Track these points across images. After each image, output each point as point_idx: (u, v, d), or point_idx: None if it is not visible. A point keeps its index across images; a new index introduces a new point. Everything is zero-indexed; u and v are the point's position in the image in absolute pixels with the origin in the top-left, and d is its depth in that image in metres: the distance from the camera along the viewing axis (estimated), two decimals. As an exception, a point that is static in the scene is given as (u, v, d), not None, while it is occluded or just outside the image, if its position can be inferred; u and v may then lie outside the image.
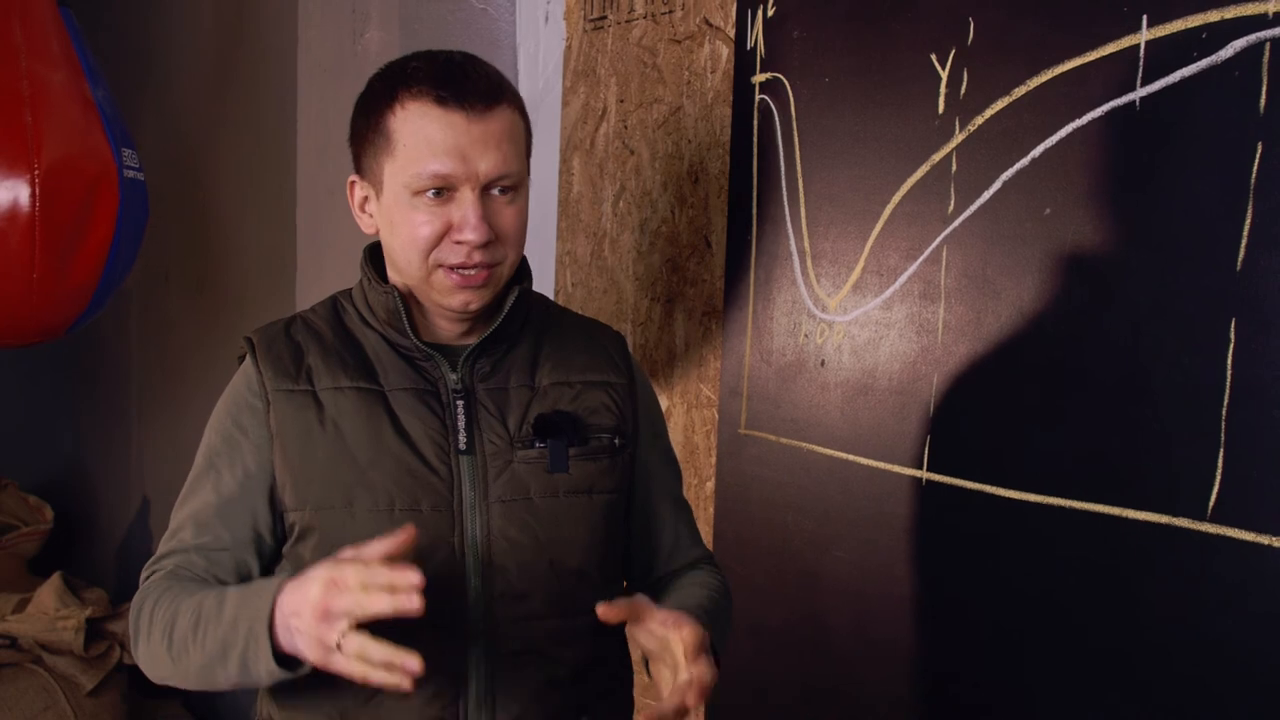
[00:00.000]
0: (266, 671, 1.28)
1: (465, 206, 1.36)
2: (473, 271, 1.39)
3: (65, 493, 4.65)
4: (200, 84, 3.78)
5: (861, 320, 1.75)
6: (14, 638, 3.19)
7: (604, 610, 1.31)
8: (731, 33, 2.00)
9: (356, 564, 1.22)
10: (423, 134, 1.36)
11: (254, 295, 3.47)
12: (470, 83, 1.37)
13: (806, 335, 1.85)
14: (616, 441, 1.50)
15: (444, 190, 1.36)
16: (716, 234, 2.05)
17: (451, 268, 1.39)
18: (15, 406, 4.84)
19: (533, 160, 2.49)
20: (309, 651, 1.24)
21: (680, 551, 1.61)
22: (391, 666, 1.19)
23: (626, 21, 2.25)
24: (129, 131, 2.98)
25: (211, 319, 3.76)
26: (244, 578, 1.45)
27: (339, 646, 1.21)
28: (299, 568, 1.42)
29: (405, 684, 1.19)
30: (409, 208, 1.38)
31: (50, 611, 3.22)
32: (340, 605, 1.20)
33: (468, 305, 1.41)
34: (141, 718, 3.48)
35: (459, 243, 1.37)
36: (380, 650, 1.19)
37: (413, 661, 1.19)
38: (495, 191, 1.38)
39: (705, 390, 2.10)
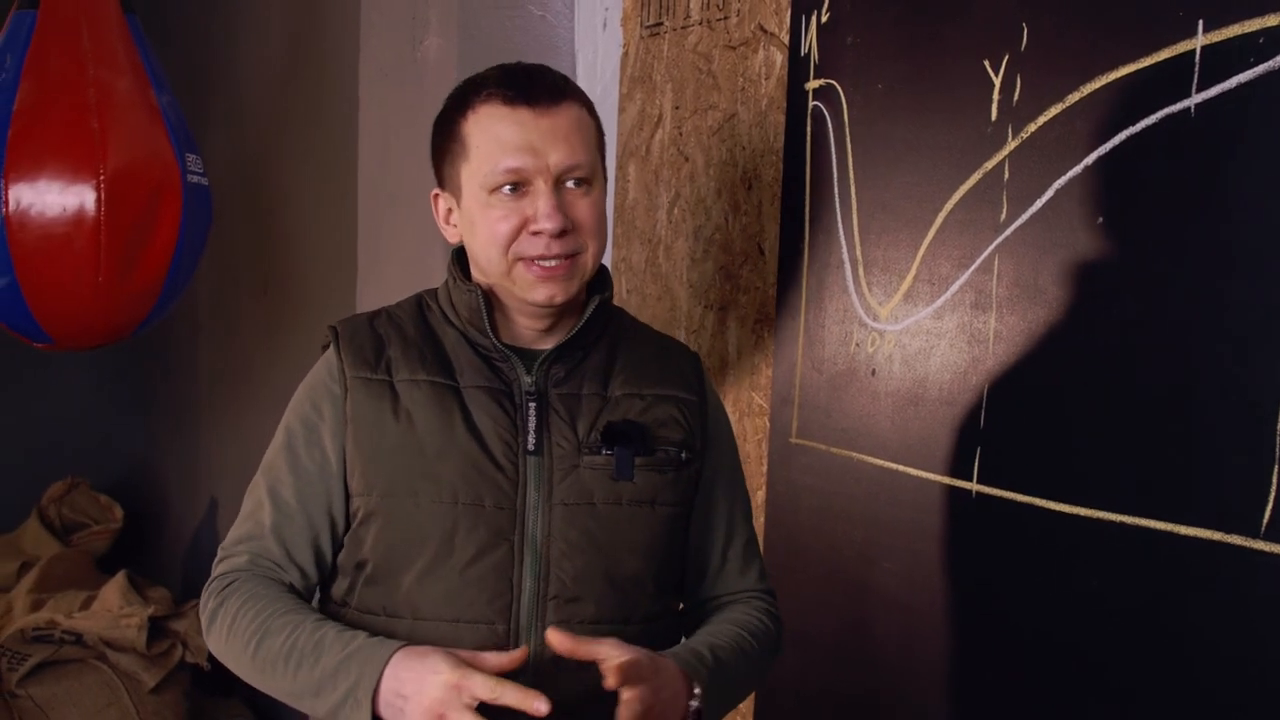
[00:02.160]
0: None
1: (539, 198, 1.40)
2: (553, 263, 1.42)
3: (135, 492, 4.75)
4: (267, 91, 3.84)
5: (912, 329, 1.73)
6: (79, 634, 3.26)
7: (553, 636, 1.34)
8: (786, 39, 1.98)
9: (486, 680, 1.27)
10: (493, 133, 1.41)
11: (317, 297, 3.52)
12: (535, 81, 1.43)
13: (858, 344, 1.83)
14: (683, 455, 1.51)
15: (519, 185, 1.41)
16: (769, 241, 2.04)
17: (532, 260, 1.41)
18: (88, 407, 4.94)
19: (590, 166, 2.51)
20: None
21: (728, 577, 1.61)
22: None
23: (682, 28, 2.24)
24: (193, 137, 3.04)
25: (276, 321, 3.82)
26: (319, 562, 1.50)
27: None
28: (359, 551, 1.47)
29: None
30: (486, 206, 1.43)
31: (114, 609, 3.29)
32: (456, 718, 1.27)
33: (552, 298, 1.44)
34: (203, 716, 3.53)
35: (536, 233, 1.41)
36: None
37: (540, 704, 1.25)
38: (569, 184, 1.43)
39: (757, 398, 2.08)
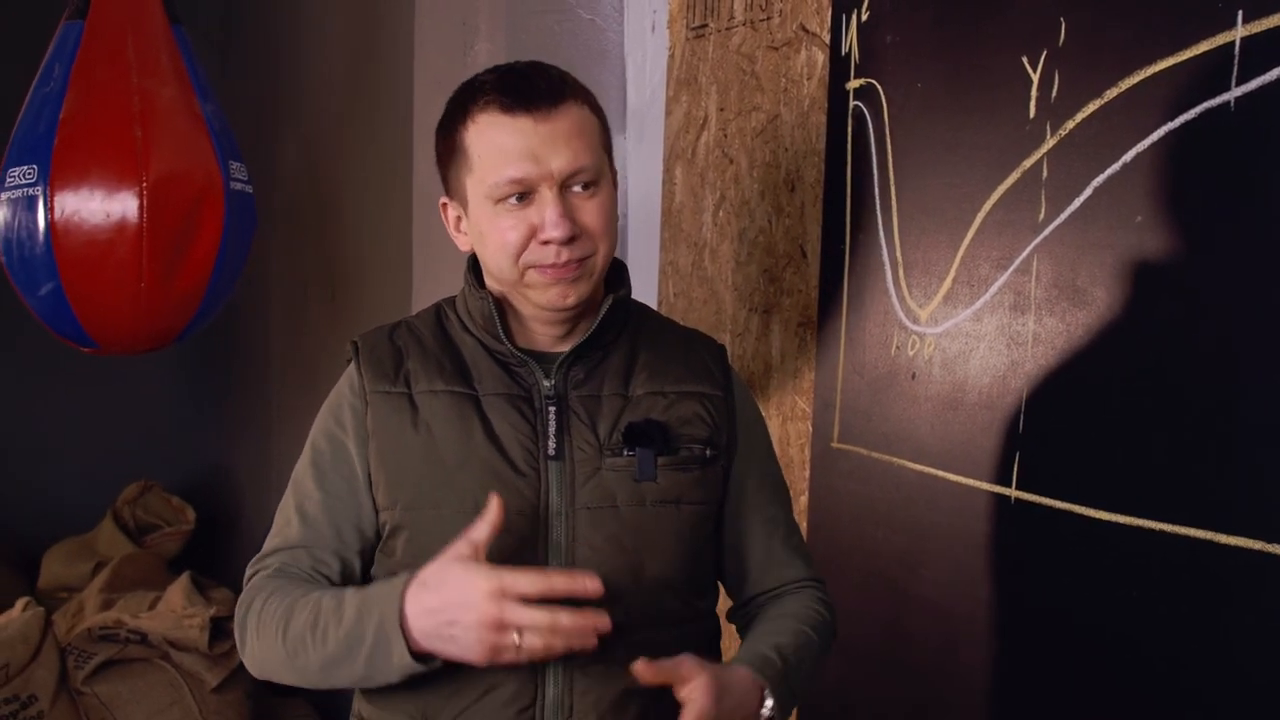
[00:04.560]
0: (400, 667, 1.32)
1: (545, 206, 1.38)
2: (564, 267, 1.40)
3: (207, 495, 4.82)
4: (332, 103, 3.89)
5: (952, 332, 1.70)
6: (144, 633, 3.31)
7: (640, 668, 1.31)
8: (827, 38, 1.96)
9: (529, 577, 1.26)
10: (494, 143, 1.39)
11: (378, 302, 3.55)
12: (532, 85, 1.40)
13: (898, 347, 1.80)
14: (708, 453, 1.49)
15: (524, 194, 1.39)
16: (811, 243, 2.01)
17: (543, 267, 1.40)
18: (161, 410, 5.03)
19: (638, 170, 2.51)
20: (472, 654, 1.28)
21: (772, 571, 1.58)
22: (581, 632, 1.27)
23: (726, 29, 2.23)
24: (238, 145, 3.08)
25: (341, 325, 3.85)
26: (347, 576, 1.49)
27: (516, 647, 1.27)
28: (389, 563, 1.47)
29: (592, 641, 1.28)
30: (493, 216, 1.41)
31: (178, 609, 3.34)
32: (520, 621, 1.25)
33: (565, 299, 1.42)
34: (266, 715, 3.57)
35: (545, 242, 1.39)
36: (565, 638, 1.27)
37: (603, 621, 1.26)
38: (575, 188, 1.40)
39: (800, 402, 2.06)
